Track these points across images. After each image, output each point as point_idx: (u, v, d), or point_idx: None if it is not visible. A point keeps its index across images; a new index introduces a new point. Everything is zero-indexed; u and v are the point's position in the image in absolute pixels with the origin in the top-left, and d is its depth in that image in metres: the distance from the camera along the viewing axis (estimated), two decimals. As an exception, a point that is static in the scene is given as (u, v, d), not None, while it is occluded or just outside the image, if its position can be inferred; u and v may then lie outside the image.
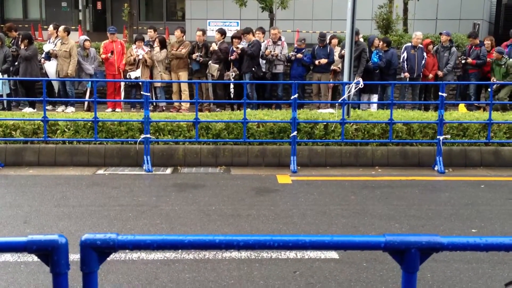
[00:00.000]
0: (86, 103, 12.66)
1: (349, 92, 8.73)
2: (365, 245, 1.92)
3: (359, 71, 11.87)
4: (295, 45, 12.87)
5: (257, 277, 4.45)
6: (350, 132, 8.68)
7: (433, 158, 8.48)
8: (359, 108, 11.07)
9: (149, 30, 13.37)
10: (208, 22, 20.19)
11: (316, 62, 12.45)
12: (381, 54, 12.37)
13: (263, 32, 13.00)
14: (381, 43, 12.69)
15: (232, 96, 12.18)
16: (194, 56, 12.29)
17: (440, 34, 12.81)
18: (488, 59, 12.59)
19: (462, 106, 12.30)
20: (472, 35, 13.16)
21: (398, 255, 1.90)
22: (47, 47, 12.71)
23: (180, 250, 4.87)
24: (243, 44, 12.30)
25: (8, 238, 1.81)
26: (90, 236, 1.79)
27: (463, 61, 12.66)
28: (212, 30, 17.58)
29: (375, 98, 12.56)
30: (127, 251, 4.82)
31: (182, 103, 12.73)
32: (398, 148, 8.64)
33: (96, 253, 1.80)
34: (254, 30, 12.75)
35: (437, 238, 1.86)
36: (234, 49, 12.21)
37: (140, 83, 11.80)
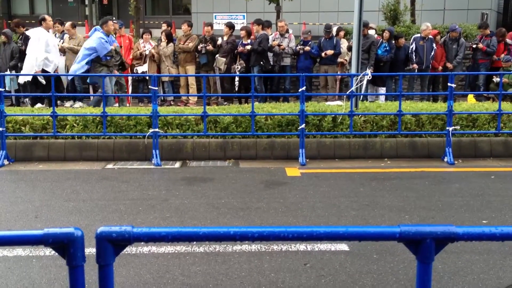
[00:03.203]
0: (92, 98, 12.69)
1: (357, 84, 8.70)
2: (380, 235, 1.91)
3: (369, 63, 11.84)
4: (301, 38, 12.83)
5: (268, 270, 4.45)
6: (359, 124, 8.66)
7: (443, 149, 8.45)
8: (367, 100, 11.03)
9: (162, 24, 13.32)
10: (214, 15, 20.18)
11: (323, 54, 12.41)
12: (388, 48, 12.29)
13: (269, 26, 12.97)
14: (402, 39, 12.55)
15: (237, 89, 12.18)
16: (199, 47, 12.29)
17: (452, 30, 12.66)
18: (496, 57, 12.56)
19: (471, 97, 12.24)
20: (482, 26, 13.08)
21: (413, 245, 1.89)
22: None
23: (191, 244, 4.88)
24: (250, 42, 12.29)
25: (24, 232, 1.82)
26: (106, 228, 1.80)
27: (474, 46, 12.59)
28: (219, 24, 17.58)
29: (381, 90, 12.52)
30: (138, 244, 4.85)
31: (189, 97, 12.74)
32: (407, 140, 8.61)
33: (111, 245, 1.80)
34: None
35: (452, 228, 1.85)
36: (245, 42, 12.19)
37: (148, 77, 11.81)
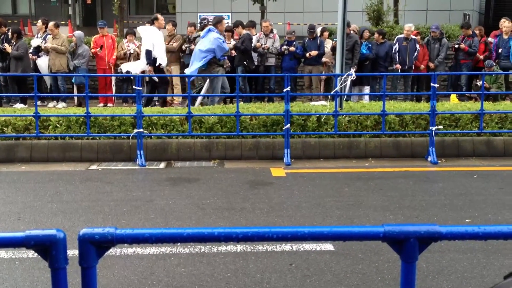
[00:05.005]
0: (76, 98, 12.60)
1: (341, 84, 8.73)
2: (364, 235, 1.91)
3: (353, 63, 11.91)
4: (285, 38, 12.86)
5: (253, 270, 4.45)
6: (343, 124, 8.69)
7: (426, 149, 8.51)
8: (351, 100, 11.09)
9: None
10: (199, 15, 20.14)
11: (307, 54, 12.45)
12: (370, 45, 12.42)
13: (254, 26, 12.97)
14: (377, 35, 12.73)
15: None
16: (183, 47, 12.26)
17: (432, 31, 12.81)
18: (480, 56, 12.67)
19: (453, 97, 12.34)
20: (465, 26, 13.22)
21: (397, 245, 1.90)
22: (35, 42, 12.63)
23: (175, 245, 4.86)
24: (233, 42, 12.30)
25: (6, 234, 1.79)
26: (89, 230, 1.78)
27: (456, 46, 12.69)
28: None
29: (366, 89, 12.59)
30: (122, 246, 4.82)
31: (174, 97, 12.68)
32: (391, 140, 8.66)
33: (94, 247, 1.78)
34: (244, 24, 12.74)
35: (436, 227, 1.86)
36: (228, 42, 12.20)
37: (132, 77, 11.74)
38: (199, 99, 10.76)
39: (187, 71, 10.40)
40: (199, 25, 12.96)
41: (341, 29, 8.93)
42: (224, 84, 10.27)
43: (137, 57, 12.40)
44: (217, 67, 10.23)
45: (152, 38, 10.85)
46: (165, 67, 11.21)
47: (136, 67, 11.15)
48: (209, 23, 11.80)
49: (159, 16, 11.41)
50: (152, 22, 11.20)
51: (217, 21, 10.31)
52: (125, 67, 11.35)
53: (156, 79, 11.21)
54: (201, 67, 10.23)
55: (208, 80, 10.58)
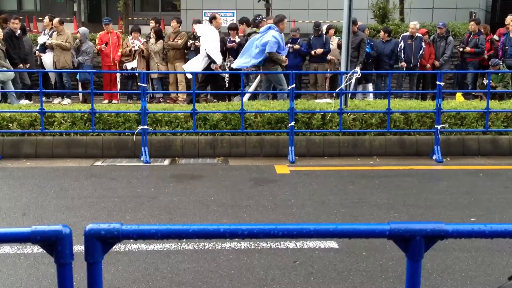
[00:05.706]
0: (81, 95, 12.63)
1: (346, 82, 8.72)
2: (370, 233, 1.91)
3: (358, 61, 11.89)
4: (290, 35, 12.84)
5: (257, 267, 4.45)
6: (348, 122, 8.68)
7: (431, 147, 8.49)
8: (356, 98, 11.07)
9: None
10: (204, 12, 20.13)
11: (312, 52, 12.42)
12: (372, 43, 12.42)
13: (282, 21, 12.94)
14: (382, 33, 12.72)
15: (227, 86, 12.15)
16: (188, 43, 12.25)
17: (438, 27, 12.81)
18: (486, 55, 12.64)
19: (459, 95, 12.30)
20: (475, 20, 13.17)
21: (402, 243, 1.89)
22: (41, 39, 12.65)
23: (180, 241, 4.86)
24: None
25: (12, 229, 1.80)
26: (94, 226, 1.78)
27: (461, 49, 12.65)
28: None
29: (370, 86, 12.58)
30: (126, 242, 4.82)
31: (179, 94, 12.69)
32: (396, 138, 8.64)
33: (100, 243, 1.78)
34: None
35: (442, 225, 1.85)
36: (233, 39, 12.18)
37: (137, 74, 11.76)
38: (248, 94, 10.75)
39: (235, 64, 10.40)
40: (252, 21, 12.94)
41: (346, 27, 8.91)
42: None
43: (141, 53, 12.43)
44: (274, 65, 10.17)
45: (210, 38, 10.95)
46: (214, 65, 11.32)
47: (197, 65, 11.27)
48: (263, 20, 11.79)
49: (217, 15, 11.49)
50: (210, 21, 11.28)
51: (279, 20, 10.23)
52: (187, 67, 11.44)
53: (226, 75, 11.31)
54: (258, 64, 10.22)
55: (259, 77, 10.63)
